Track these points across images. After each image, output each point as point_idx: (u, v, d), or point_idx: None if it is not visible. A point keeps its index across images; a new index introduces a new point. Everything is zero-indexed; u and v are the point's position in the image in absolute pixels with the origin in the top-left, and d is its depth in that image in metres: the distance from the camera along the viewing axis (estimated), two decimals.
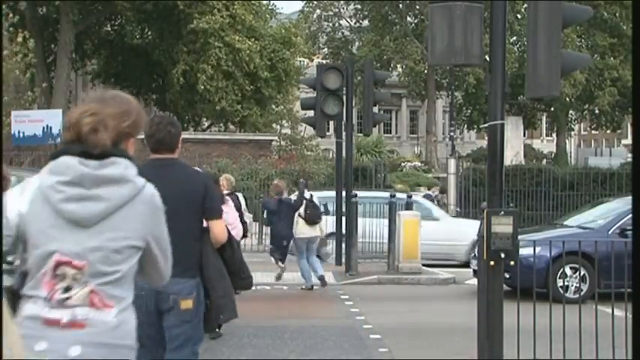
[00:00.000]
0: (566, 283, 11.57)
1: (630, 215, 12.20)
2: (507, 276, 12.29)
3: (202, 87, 30.49)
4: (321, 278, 13.02)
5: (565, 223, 13.73)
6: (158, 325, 4.44)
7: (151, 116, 4.76)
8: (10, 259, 2.67)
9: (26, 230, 2.65)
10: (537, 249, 12.17)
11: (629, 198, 13.32)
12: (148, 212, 2.74)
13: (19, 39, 32.03)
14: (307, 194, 12.99)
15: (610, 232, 11.99)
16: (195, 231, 4.54)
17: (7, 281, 2.64)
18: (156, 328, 4.42)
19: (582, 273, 11.52)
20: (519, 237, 13.48)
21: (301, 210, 12.76)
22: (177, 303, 4.37)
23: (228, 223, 5.60)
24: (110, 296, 2.62)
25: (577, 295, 9.83)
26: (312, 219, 12.80)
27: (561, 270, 11.42)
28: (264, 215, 12.89)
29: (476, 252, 13.38)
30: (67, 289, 2.58)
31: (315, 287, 13.03)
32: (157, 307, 4.38)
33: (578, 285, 10.92)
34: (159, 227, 2.81)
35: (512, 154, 30.92)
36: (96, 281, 2.61)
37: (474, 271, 13.38)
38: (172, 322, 4.42)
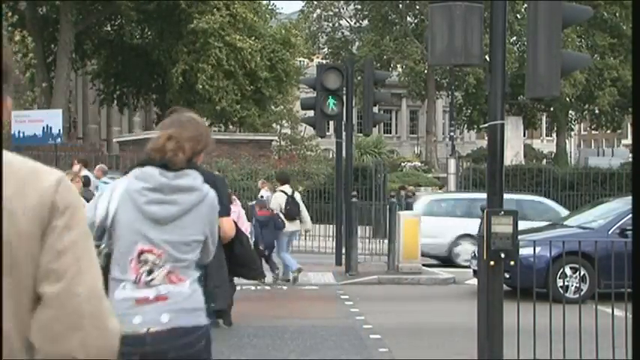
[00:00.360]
0: (566, 283, 11.57)
1: (630, 215, 12.25)
2: (507, 276, 12.35)
3: (202, 87, 30.49)
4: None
5: (565, 223, 13.72)
6: None
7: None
8: (96, 243, 3.22)
9: (114, 223, 3.36)
10: (537, 249, 12.22)
11: (629, 198, 13.32)
12: (209, 212, 3.46)
13: (17, 38, 31.99)
14: (289, 191, 13.84)
15: (610, 232, 11.98)
16: None
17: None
18: None
19: (582, 273, 11.53)
20: (519, 237, 13.51)
21: (282, 206, 13.59)
22: None
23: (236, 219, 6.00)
24: (184, 275, 3.35)
25: (577, 295, 9.82)
26: (292, 215, 13.54)
27: (561, 270, 11.42)
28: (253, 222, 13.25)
29: (475, 252, 13.44)
30: (149, 272, 3.28)
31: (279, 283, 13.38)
32: None
33: (578, 285, 10.91)
34: (214, 223, 3.53)
35: (512, 154, 30.92)
36: (172, 266, 3.32)
37: (474, 271, 13.39)
38: None
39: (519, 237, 13.38)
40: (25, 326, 1.61)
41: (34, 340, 1.63)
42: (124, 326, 2.56)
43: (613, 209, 13.08)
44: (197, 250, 3.42)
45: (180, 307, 3.32)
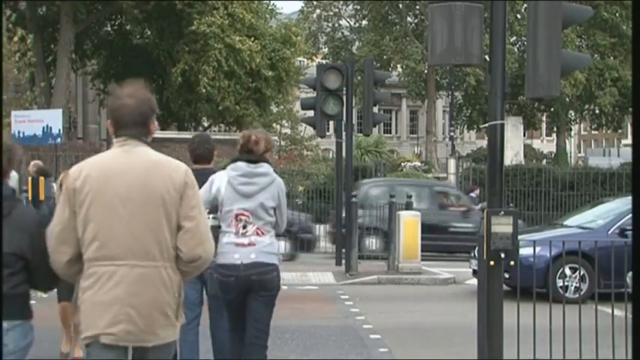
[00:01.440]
0: (565, 283, 11.57)
1: (630, 215, 12.24)
2: (507, 276, 12.35)
3: (204, 89, 30.47)
4: None
5: (565, 223, 13.72)
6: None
7: (193, 136, 6.89)
8: (213, 213, 5.41)
9: (222, 198, 5.45)
10: (537, 249, 12.23)
11: (629, 198, 13.31)
12: (277, 190, 5.54)
13: (16, 38, 31.99)
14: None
15: (610, 232, 11.97)
16: None
17: (215, 222, 5.34)
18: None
19: (582, 273, 11.53)
20: (519, 237, 13.47)
21: None
22: None
23: None
24: (265, 230, 5.42)
25: (577, 295, 9.82)
26: None
27: (561, 270, 11.41)
28: None
29: (475, 252, 13.44)
30: (244, 227, 5.37)
31: None
32: None
33: (577, 285, 10.91)
34: (282, 198, 5.57)
35: (512, 154, 30.91)
36: (258, 223, 5.39)
37: (474, 271, 13.38)
38: None
39: (519, 237, 13.36)
40: (173, 238, 3.64)
41: (181, 247, 3.65)
42: (228, 259, 5.32)
43: (613, 209, 13.07)
44: (272, 214, 5.45)
45: (261, 250, 5.37)
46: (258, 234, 5.34)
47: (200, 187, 4.05)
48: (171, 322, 3.68)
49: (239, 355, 5.53)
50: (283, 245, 14.36)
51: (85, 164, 3.79)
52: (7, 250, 3.65)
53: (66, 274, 3.73)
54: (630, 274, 8.70)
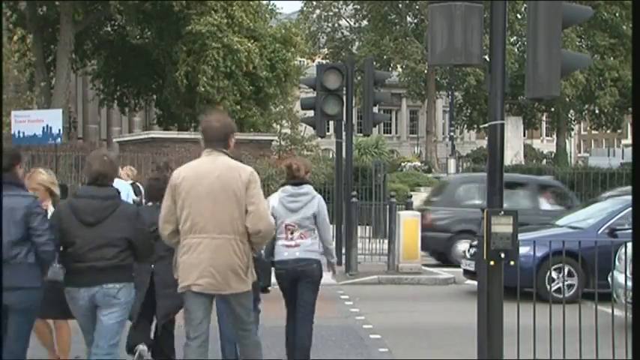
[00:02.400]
0: (556, 284, 11.50)
1: (620, 215, 12.29)
2: None
3: (203, 88, 30.46)
4: None
5: (557, 222, 13.70)
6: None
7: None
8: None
9: (275, 212, 6.81)
10: (526, 249, 12.27)
11: (622, 197, 13.36)
12: (317, 205, 7.05)
13: (16, 37, 31.98)
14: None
15: (599, 232, 11.94)
16: None
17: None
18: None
19: (568, 272, 11.53)
20: None
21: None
22: None
23: None
24: (307, 235, 6.96)
25: (567, 294, 9.78)
26: None
27: (550, 269, 11.33)
28: None
29: (467, 251, 13.47)
30: (292, 233, 6.90)
31: None
32: None
33: (565, 284, 10.86)
34: (322, 210, 7.08)
35: (512, 154, 30.94)
36: (301, 230, 6.93)
37: (465, 271, 13.41)
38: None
39: None
40: (242, 219, 5.36)
41: (247, 224, 5.36)
42: (280, 256, 6.96)
43: (604, 209, 13.04)
44: (313, 223, 7.00)
45: (304, 249, 6.97)
46: (301, 237, 6.97)
47: None
48: (242, 278, 5.45)
49: (293, 330, 7.16)
50: None
51: (183, 168, 5.61)
52: (117, 235, 5.56)
53: (170, 243, 5.57)
54: (611, 273, 8.74)
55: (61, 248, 5.72)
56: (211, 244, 5.31)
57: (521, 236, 12.89)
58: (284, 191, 7.01)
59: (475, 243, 13.65)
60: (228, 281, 5.36)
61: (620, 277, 8.91)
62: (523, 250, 12.84)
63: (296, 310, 7.13)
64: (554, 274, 11.54)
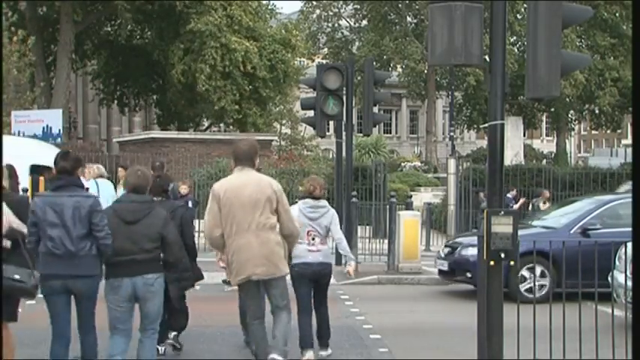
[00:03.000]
0: (528, 284, 11.48)
1: (592, 215, 12.36)
2: (469, 275, 12.44)
3: (202, 87, 30.46)
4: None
5: (532, 222, 13.72)
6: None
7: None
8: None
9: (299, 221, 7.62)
10: None
11: (597, 198, 13.36)
12: (331, 216, 8.11)
13: (15, 38, 31.97)
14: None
15: (572, 232, 11.94)
16: None
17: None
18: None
19: (540, 272, 11.53)
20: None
21: None
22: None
23: None
24: (325, 241, 8.08)
25: (538, 295, 9.73)
26: None
27: (521, 269, 11.28)
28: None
29: (441, 251, 13.49)
30: (313, 239, 7.94)
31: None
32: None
33: (537, 284, 10.81)
34: (336, 220, 8.18)
35: (512, 154, 30.85)
36: (320, 237, 7.99)
37: (439, 271, 13.42)
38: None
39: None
40: (274, 219, 6.84)
41: (280, 224, 6.89)
42: (304, 259, 7.93)
43: (578, 209, 13.06)
44: (328, 231, 8.06)
45: (325, 254, 8.03)
46: (322, 244, 8.03)
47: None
48: (284, 263, 6.99)
49: (310, 317, 8.17)
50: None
51: (224, 182, 6.95)
52: (153, 231, 6.45)
53: (218, 244, 6.91)
54: (611, 273, 8.73)
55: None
56: (257, 241, 6.69)
57: None
58: (305, 203, 8.11)
59: (450, 243, 13.65)
60: (278, 266, 6.83)
61: (620, 276, 8.91)
62: None
63: (311, 303, 8.24)
64: (525, 274, 11.55)
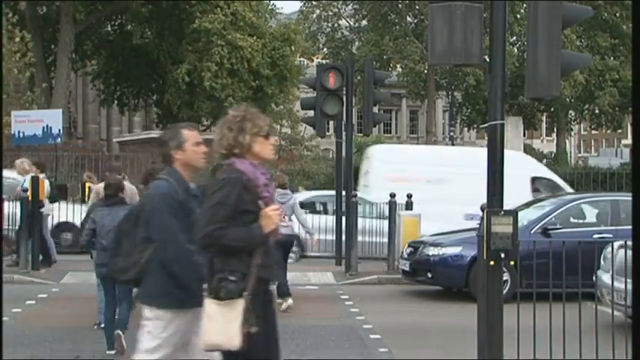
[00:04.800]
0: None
1: (553, 215, 12.45)
2: (430, 275, 12.48)
3: (209, 85, 30.46)
4: None
5: None
6: None
7: None
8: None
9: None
10: (459, 248, 12.30)
11: (565, 197, 13.35)
12: (294, 201, 11.36)
13: (17, 38, 31.94)
14: None
15: (532, 232, 11.93)
16: None
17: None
18: None
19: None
20: (444, 237, 13.53)
21: None
22: None
23: None
24: (291, 219, 11.43)
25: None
26: None
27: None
28: None
29: (404, 251, 13.47)
30: (283, 217, 10.01)
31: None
32: None
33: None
34: (297, 203, 11.54)
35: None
36: (287, 216, 11.01)
37: (403, 271, 13.40)
38: None
39: (442, 238, 13.47)
40: None
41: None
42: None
43: (541, 209, 13.07)
44: (293, 212, 11.24)
45: (290, 229, 10.95)
46: (290, 220, 10.63)
47: None
48: None
49: (284, 272, 11.28)
50: None
51: None
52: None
53: None
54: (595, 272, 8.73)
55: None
56: None
57: (453, 237, 13.04)
58: (277, 192, 9.81)
59: (412, 242, 13.62)
60: None
61: (605, 276, 8.92)
62: (455, 250, 12.91)
63: (284, 262, 11.07)
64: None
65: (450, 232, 13.30)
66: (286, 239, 10.43)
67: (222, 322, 4.05)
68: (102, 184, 11.67)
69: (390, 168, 18.45)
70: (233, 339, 4.02)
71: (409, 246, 13.38)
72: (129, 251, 4.75)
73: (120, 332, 8.03)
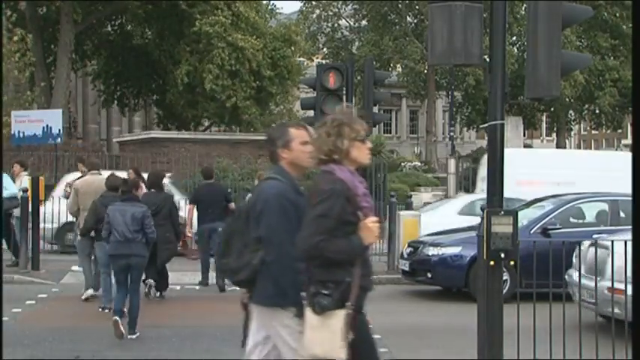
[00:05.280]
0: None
1: (552, 215, 12.43)
2: (429, 275, 12.47)
3: (210, 87, 30.43)
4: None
5: None
6: None
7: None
8: None
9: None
10: (458, 248, 12.30)
11: (565, 197, 13.36)
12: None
13: (16, 38, 31.96)
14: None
15: (532, 232, 11.90)
16: None
17: None
18: None
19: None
20: (444, 237, 13.50)
21: None
22: None
23: None
24: None
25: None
26: None
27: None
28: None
29: (404, 251, 13.46)
30: None
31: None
32: None
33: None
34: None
35: None
36: None
37: (403, 271, 13.38)
38: None
39: (441, 238, 13.43)
40: None
41: None
42: None
43: (541, 209, 13.07)
44: None
45: None
46: None
47: None
48: None
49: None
50: None
51: None
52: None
53: None
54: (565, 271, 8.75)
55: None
56: None
57: (453, 237, 13.00)
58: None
59: (412, 242, 13.61)
60: None
61: (575, 275, 8.95)
62: (455, 250, 12.87)
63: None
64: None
65: (449, 232, 13.30)
66: None
67: (326, 332, 4.05)
68: (80, 181, 11.72)
69: (521, 172, 17.74)
70: (337, 350, 4.06)
71: (409, 246, 13.37)
72: (241, 251, 4.58)
73: (117, 319, 8.65)
